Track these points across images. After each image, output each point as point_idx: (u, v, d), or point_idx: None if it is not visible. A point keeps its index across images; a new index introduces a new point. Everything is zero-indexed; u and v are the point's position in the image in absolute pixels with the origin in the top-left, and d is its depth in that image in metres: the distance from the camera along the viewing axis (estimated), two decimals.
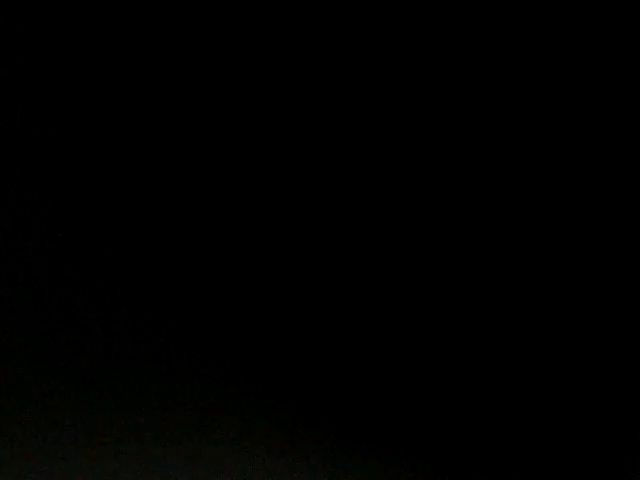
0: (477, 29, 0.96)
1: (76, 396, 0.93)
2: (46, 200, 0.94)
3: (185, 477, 0.94)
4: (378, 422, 0.95)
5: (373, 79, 0.96)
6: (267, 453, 0.94)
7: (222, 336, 0.94)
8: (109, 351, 0.94)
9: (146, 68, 0.95)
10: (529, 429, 0.95)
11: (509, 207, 0.96)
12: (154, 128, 0.94)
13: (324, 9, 0.95)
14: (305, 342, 0.95)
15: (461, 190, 0.96)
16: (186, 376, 0.94)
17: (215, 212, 0.95)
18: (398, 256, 0.95)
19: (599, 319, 0.96)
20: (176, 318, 0.94)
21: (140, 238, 0.94)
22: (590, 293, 0.96)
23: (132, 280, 0.94)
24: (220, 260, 0.94)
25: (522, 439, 0.95)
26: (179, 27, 0.95)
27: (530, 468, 0.96)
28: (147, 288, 0.94)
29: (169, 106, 0.95)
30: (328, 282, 0.95)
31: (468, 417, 0.95)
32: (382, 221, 0.95)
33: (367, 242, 0.95)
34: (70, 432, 0.93)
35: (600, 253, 0.96)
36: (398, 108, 0.95)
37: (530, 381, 0.95)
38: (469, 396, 0.95)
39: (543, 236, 0.96)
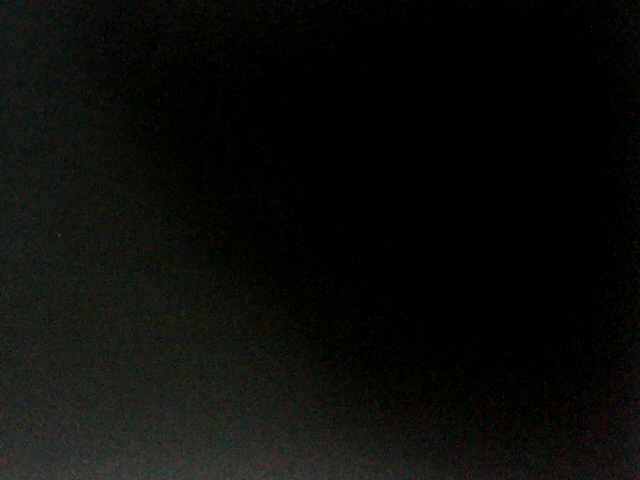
0: (477, 30, 0.96)
1: (76, 396, 0.93)
2: (46, 200, 0.94)
3: (185, 477, 0.94)
4: (379, 421, 0.95)
5: (373, 80, 0.96)
6: (267, 453, 0.94)
7: (222, 336, 0.94)
8: (109, 350, 0.93)
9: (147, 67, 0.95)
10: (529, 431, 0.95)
11: (509, 207, 0.96)
12: (155, 127, 0.94)
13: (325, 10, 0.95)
14: (305, 340, 0.95)
15: (461, 190, 0.96)
16: (186, 376, 0.94)
17: (214, 216, 0.95)
18: (397, 256, 0.95)
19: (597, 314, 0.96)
20: (176, 318, 0.94)
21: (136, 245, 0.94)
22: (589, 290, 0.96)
23: (131, 279, 0.94)
24: (216, 262, 0.94)
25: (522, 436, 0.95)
26: (179, 28, 0.95)
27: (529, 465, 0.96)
28: (146, 287, 0.94)
29: (169, 106, 0.95)
30: (327, 282, 0.95)
31: (469, 419, 0.95)
32: (382, 220, 0.95)
33: (366, 243, 0.95)
34: (70, 432, 0.93)
35: (599, 252, 0.96)
36: (398, 109, 0.95)
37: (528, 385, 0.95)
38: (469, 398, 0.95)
39: (543, 236, 0.96)
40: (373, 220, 0.95)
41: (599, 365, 0.95)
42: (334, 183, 0.95)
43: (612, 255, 0.96)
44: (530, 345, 0.95)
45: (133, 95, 0.94)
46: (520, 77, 0.96)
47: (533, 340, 0.95)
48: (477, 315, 0.95)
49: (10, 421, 0.93)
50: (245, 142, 0.95)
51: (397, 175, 0.95)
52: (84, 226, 0.94)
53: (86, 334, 0.93)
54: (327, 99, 0.95)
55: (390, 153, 0.95)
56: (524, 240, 0.96)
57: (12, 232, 0.94)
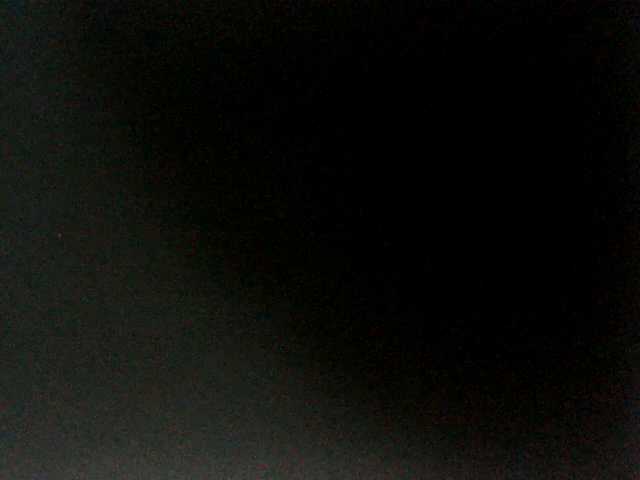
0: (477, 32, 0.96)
1: (76, 396, 0.93)
2: (46, 200, 0.94)
3: (185, 477, 0.94)
4: (379, 421, 0.95)
5: (373, 81, 0.96)
6: (267, 453, 0.94)
7: (222, 336, 0.94)
8: (109, 350, 0.94)
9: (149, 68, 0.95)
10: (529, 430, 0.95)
11: (509, 207, 0.96)
12: (155, 127, 0.94)
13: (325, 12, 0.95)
14: (305, 340, 0.95)
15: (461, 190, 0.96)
16: (186, 376, 0.94)
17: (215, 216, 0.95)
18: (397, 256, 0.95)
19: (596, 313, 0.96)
20: (176, 318, 0.94)
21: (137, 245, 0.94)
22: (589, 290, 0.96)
23: (131, 279, 0.94)
24: (216, 262, 0.94)
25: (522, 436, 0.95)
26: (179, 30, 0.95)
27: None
28: (146, 287, 0.94)
29: (169, 108, 0.95)
30: (327, 282, 0.95)
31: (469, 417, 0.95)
32: (382, 220, 0.95)
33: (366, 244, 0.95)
34: (70, 432, 0.93)
35: (599, 253, 0.96)
36: (398, 109, 0.95)
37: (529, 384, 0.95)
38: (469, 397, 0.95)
39: (543, 236, 0.96)
40: (373, 220, 0.95)
41: (599, 365, 0.95)
42: (334, 183, 0.95)
43: (612, 255, 0.96)
44: (530, 345, 0.95)
45: (133, 95, 0.94)
46: (520, 77, 0.96)
47: (533, 340, 0.95)
48: (477, 315, 0.95)
49: (10, 421, 0.93)
50: (245, 142, 0.95)
51: (397, 175, 0.95)
52: (84, 226, 0.94)
53: (86, 334, 0.93)
54: (327, 99, 0.95)
55: (390, 153, 0.95)
56: (524, 240, 0.96)
57: (12, 232, 0.94)
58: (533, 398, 0.95)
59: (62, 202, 0.94)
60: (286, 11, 0.95)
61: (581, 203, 0.96)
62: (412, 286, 0.95)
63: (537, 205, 0.96)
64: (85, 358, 0.93)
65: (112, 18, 0.95)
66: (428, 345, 0.95)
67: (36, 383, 0.93)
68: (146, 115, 0.94)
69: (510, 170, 0.96)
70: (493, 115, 0.96)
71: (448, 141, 0.96)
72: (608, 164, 0.96)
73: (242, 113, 0.95)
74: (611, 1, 0.97)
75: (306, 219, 0.95)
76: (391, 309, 0.95)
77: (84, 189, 0.94)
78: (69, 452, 0.93)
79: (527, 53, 0.96)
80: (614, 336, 0.95)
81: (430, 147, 0.96)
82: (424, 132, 0.96)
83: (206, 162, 0.95)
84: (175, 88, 0.95)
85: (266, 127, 0.95)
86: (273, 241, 0.95)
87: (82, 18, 0.95)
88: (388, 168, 0.95)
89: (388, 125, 0.96)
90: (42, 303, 0.93)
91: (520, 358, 0.95)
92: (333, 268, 0.95)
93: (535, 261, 0.96)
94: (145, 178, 0.94)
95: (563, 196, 0.96)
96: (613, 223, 0.96)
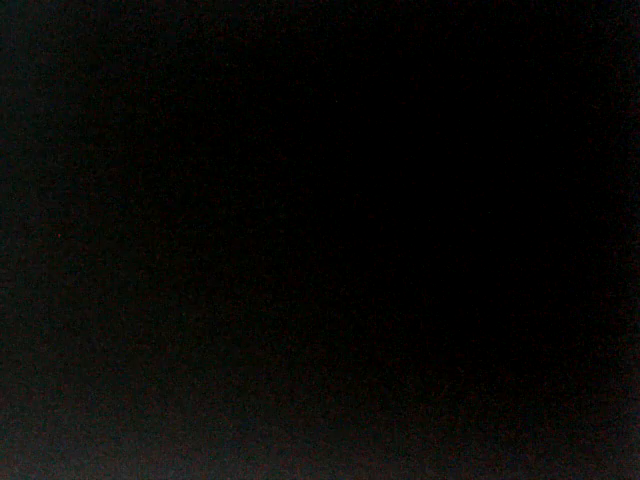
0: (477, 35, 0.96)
1: (76, 396, 0.93)
2: (46, 200, 0.94)
3: (185, 477, 0.93)
4: (379, 421, 0.95)
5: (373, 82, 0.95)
6: (267, 453, 0.94)
7: (222, 336, 0.94)
8: (109, 351, 0.93)
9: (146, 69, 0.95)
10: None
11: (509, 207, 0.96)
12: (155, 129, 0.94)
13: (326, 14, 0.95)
14: (305, 340, 0.95)
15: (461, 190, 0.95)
16: (186, 376, 0.94)
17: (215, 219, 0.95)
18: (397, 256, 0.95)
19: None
20: (176, 318, 0.94)
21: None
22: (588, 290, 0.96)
23: (132, 280, 0.94)
24: (216, 262, 0.94)
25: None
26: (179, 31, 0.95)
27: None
28: (146, 287, 0.94)
29: (170, 108, 0.95)
30: (327, 282, 0.95)
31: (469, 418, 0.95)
32: (382, 220, 0.95)
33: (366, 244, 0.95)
34: (70, 432, 0.93)
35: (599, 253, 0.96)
36: (398, 109, 0.95)
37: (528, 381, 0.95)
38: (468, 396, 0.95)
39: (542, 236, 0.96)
40: (373, 220, 0.95)
41: (599, 365, 0.95)
42: (334, 183, 0.95)
43: (612, 255, 0.96)
44: (530, 345, 0.95)
45: (133, 95, 0.94)
46: (520, 77, 0.96)
47: (533, 340, 0.95)
48: (477, 315, 0.95)
49: (10, 421, 0.93)
50: (245, 142, 0.95)
51: (397, 175, 0.95)
52: (84, 226, 0.94)
53: (86, 334, 0.93)
54: (327, 99, 0.95)
55: (390, 153, 0.95)
56: (524, 240, 0.96)
57: (12, 232, 0.94)
58: (533, 398, 0.95)
59: (62, 202, 0.94)
60: (286, 11, 0.95)
61: (581, 203, 0.96)
62: (412, 286, 0.95)
63: (537, 205, 0.96)
64: (85, 358, 0.93)
65: (112, 18, 0.94)
66: (428, 345, 0.95)
67: (36, 383, 0.93)
68: (146, 115, 0.94)
69: (510, 170, 0.96)
70: (493, 115, 0.96)
71: (448, 141, 0.96)
72: (608, 164, 0.96)
73: (242, 113, 0.95)
74: (611, 1, 0.97)
75: (306, 219, 0.95)
76: (391, 309, 0.95)
77: (84, 189, 0.94)
78: (69, 452, 0.93)
79: (527, 53, 0.96)
80: (614, 336, 0.95)
81: (430, 147, 0.96)
82: (424, 132, 0.96)
83: (206, 162, 0.95)
84: (175, 88, 0.95)
85: (266, 127, 0.95)
86: (273, 241, 0.95)
87: (82, 18, 0.94)
88: (388, 168, 0.95)
89: (388, 125, 0.96)
90: (42, 303, 0.93)
91: (520, 358, 0.95)
92: (333, 268, 0.95)
93: (535, 261, 0.95)
94: (145, 178, 0.94)
95: (563, 196, 0.96)
96: (613, 223, 0.96)
